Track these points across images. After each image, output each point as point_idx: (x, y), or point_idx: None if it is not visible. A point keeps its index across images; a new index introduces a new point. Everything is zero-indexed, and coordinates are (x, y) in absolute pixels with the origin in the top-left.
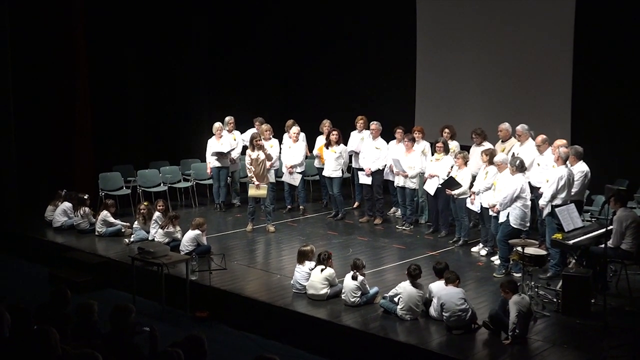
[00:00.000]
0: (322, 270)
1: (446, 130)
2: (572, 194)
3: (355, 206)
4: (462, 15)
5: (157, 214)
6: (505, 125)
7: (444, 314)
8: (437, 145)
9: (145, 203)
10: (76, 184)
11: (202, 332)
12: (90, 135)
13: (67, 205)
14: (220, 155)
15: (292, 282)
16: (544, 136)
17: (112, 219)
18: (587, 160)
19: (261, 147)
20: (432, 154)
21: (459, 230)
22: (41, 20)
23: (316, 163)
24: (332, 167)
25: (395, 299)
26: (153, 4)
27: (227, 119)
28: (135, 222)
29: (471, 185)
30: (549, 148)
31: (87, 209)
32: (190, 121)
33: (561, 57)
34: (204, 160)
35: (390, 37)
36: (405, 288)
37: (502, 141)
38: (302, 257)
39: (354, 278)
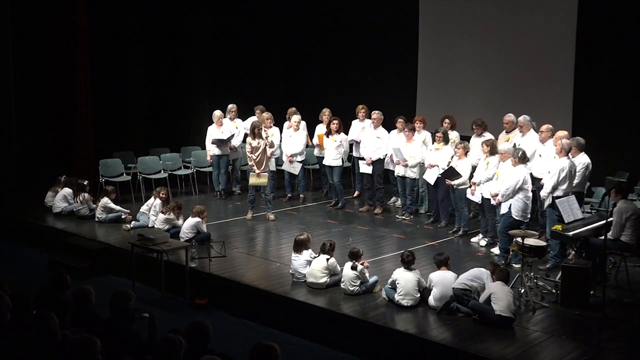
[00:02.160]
0: (327, 259)
1: (446, 120)
2: (573, 185)
3: (355, 195)
4: (464, 5)
5: (157, 201)
6: (511, 117)
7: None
8: (437, 135)
9: (163, 191)
10: (76, 170)
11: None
12: (90, 121)
13: (67, 191)
14: (220, 143)
15: (291, 270)
16: (550, 126)
17: (112, 205)
18: (587, 151)
19: (261, 135)
20: (433, 144)
21: (458, 220)
22: (43, 6)
23: (316, 152)
24: (333, 156)
25: (392, 285)
26: None
27: (229, 106)
28: (145, 206)
29: (471, 176)
30: (551, 139)
31: (86, 194)
32: (190, 108)
33: (563, 47)
34: (204, 147)
35: (392, 26)
36: (401, 274)
37: (507, 132)
38: (300, 246)
39: (354, 268)
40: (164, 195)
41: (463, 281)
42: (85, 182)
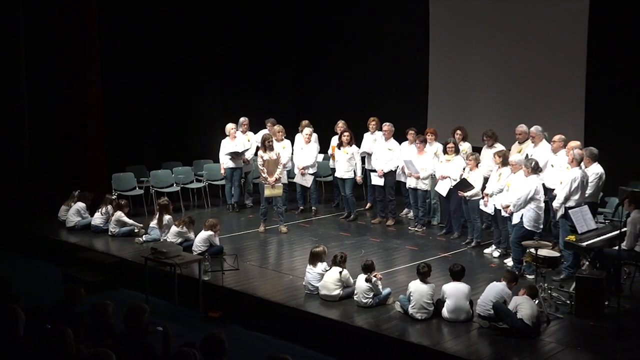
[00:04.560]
0: (340, 272)
1: (458, 131)
2: (586, 195)
3: (367, 207)
4: (475, 17)
5: (167, 217)
6: (523, 128)
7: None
8: (448, 145)
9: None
10: (89, 184)
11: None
12: (103, 135)
13: (80, 205)
14: (235, 156)
15: (304, 283)
16: (562, 136)
17: (126, 219)
18: (600, 161)
19: (272, 148)
20: (444, 155)
21: (471, 231)
22: (55, 21)
23: (331, 163)
24: (344, 168)
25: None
26: (166, 8)
27: (241, 119)
28: (154, 221)
29: (483, 187)
30: (563, 150)
31: (110, 207)
32: (202, 122)
33: (575, 58)
34: (216, 160)
35: (403, 37)
36: (416, 287)
37: (519, 143)
38: (315, 258)
39: (368, 280)
40: (165, 202)
41: (494, 298)
42: (114, 197)
